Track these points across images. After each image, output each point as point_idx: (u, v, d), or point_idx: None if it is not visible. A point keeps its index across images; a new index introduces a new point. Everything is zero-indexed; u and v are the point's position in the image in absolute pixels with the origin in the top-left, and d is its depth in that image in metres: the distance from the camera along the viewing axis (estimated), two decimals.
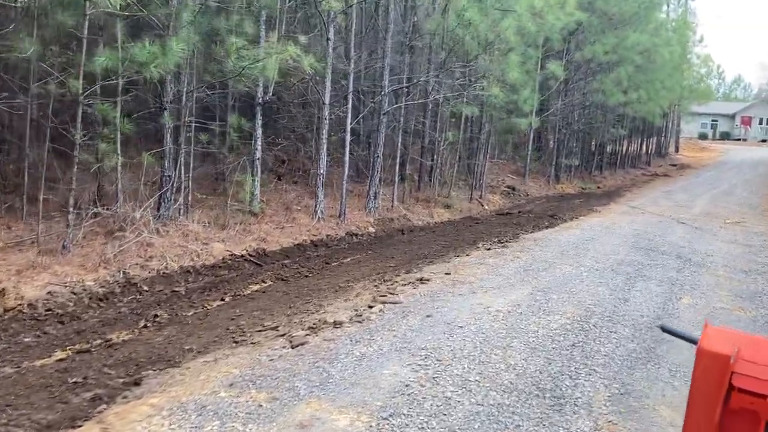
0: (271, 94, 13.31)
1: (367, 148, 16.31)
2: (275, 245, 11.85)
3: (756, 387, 1.56)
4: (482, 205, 20.14)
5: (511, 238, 14.58)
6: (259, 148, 13.27)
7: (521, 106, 19.66)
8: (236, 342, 6.71)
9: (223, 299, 8.62)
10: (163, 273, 9.32)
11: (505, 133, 26.15)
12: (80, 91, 9.07)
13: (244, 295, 8.88)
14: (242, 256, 10.81)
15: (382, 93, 14.76)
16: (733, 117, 77.04)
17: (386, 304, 8.22)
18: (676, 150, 52.34)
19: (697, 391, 1.66)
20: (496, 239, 14.15)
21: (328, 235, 13.24)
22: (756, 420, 1.56)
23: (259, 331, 7.09)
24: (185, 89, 11.37)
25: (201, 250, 10.40)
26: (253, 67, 10.55)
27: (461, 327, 7.32)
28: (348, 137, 14.12)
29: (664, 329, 2.04)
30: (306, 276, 10.18)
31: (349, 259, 11.71)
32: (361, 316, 7.64)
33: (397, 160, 16.21)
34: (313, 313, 7.80)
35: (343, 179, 14.13)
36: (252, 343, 6.66)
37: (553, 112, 25.90)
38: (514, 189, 24.30)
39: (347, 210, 14.79)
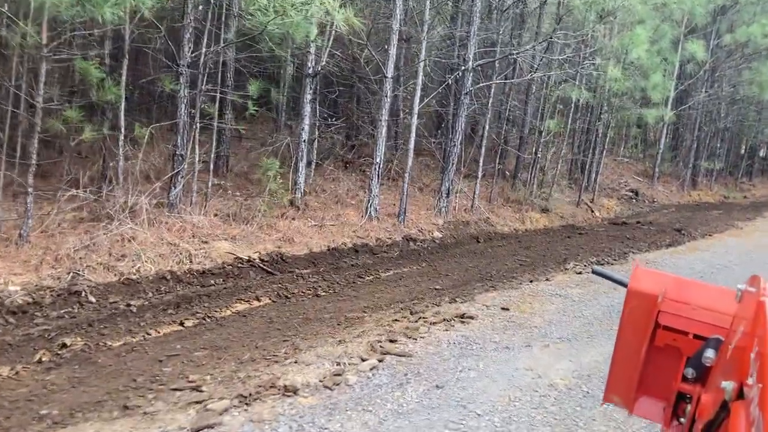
0: (324, 62, 11.00)
1: (446, 136, 13.59)
2: (302, 248, 9.57)
3: (680, 324, 1.63)
4: (592, 212, 16.79)
5: (617, 257, 11.40)
6: (307, 127, 11.03)
7: (650, 95, 16.06)
8: (126, 408, 4.46)
9: (182, 323, 6.44)
10: (129, 279, 7.30)
11: (629, 126, 22.34)
12: (43, 42, 7.19)
13: (215, 319, 6.66)
14: (250, 260, 8.62)
15: (464, 68, 12.01)
16: None
17: (389, 356, 5.67)
18: None
19: (625, 330, 1.73)
20: (594, 258, 11.06)
21: (378, 239, 10.78)
22: (678, 356, 1.63)
23: (175, 389, 4.81)
24: (203, 51, 9.31)
25: (197, 250, 8.33)
26: (278, 24, 8.25)
27: (480, 415, 4.64)
28: (415, 120, 11.53)
29: (595, 272, 2.06)
30: (317, 295, 7.80)
31: (389, 273, 9.20)
32: (339, 376, 5.15)
33: (482, 152, 13.39)
34: (273, 363, 5.41)
35: (406, 171, 11.57)
36: (145, 413, 4.38)
37: (693, 105, 21.72)
38: (637, 194, 20.55)
39: (411, 209, 12.26)
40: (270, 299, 7.48)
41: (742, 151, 28.84)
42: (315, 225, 10.46)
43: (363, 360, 5.53)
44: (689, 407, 1.60)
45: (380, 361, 5.55)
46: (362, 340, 6.05)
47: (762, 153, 31.14)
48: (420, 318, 6.86)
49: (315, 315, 6.93)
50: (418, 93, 11.43)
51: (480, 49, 12.63)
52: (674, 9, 15.83)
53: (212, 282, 7.85)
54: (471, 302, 7.76)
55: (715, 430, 1.23)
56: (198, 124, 9.45)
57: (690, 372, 1.57)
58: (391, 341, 6.07)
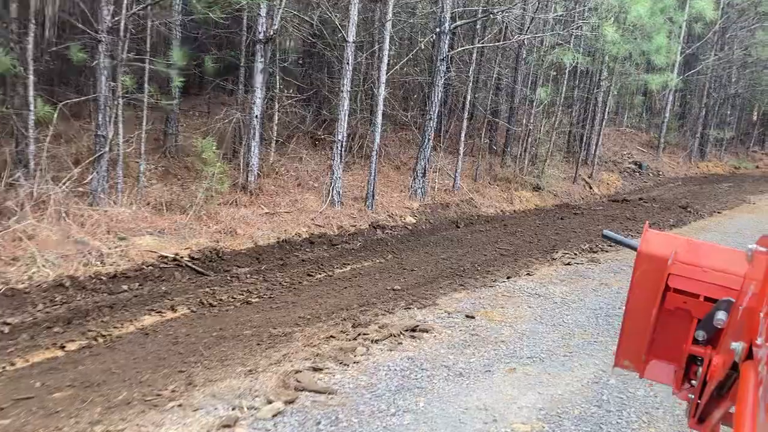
0: (276, 26, 9.63)
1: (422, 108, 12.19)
2: (246, 242, 8.32)
3: (690, 287, 1.62)
4: (590, 188, 15.44)
5: (612, 244, 10.10)
6: (259, 101, 9.70)
7: (653, 58, 14.58)
8: None
9: (63, 347, 5.22)
10: (14, 289, 6.08)
11: (633, 94, 20.87)
12: None
13: (108, 340, 5.42)
14: (177, 259, 7.37)
15: (439, 30, 10.60)
16: None
17: (304, 394, 4.45)
18: None
19: (636, 293, 1.71)
20: (587, 245, 9.76)
21: (340, 228, 9.51)
22: (689, 318, 1.62)
23: None
24: (123, 14, 7.96)
25: (111, 248, 7.09)
26: None
27: None
28: (382, 91, 10.16)
29: (606, 236, 2.01)
30: (248, 302, 6.56)
31: (345, 270, 7.94)
32: (227, 430, 3.94)
33: (464, 125, 12.02)
34: (151, 408, 4.19)
35: (373, 149, 10.25)
36: None
37: (702, 70, 20.15)
38: (640, 166, 19.14)
39: (383, 191, 10.98)
40: (189, 309, 6.25)
41: (754, 119, 27.24)
42: (266, 213, 9.20)
43: (268, 402, 4.30)
44: (700, 370, 1.57)
45: (290, 402, 4.32)
46: (278, 369, 4.82)
47: None
48: (360, 334, 5.61)
49: (234, 331, 5.70)
50: (386, 59, 10.05)
51: (459, 8, 11.18)
52: None
53: (124, 288, 6.61)
54: (431, 308, 6.51)
55: (726, 391, 1.25)
56: (120, 99, 8.14)
57: (701, 334, 1.56)
58: (315, 369, 4.84)
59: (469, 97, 11.79)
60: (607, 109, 17.22)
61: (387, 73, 10.33)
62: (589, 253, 9.31)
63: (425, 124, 11.08)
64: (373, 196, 10.29)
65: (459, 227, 10.76)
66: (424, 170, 11.19)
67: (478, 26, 11.85)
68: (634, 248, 1.74)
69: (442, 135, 13.48)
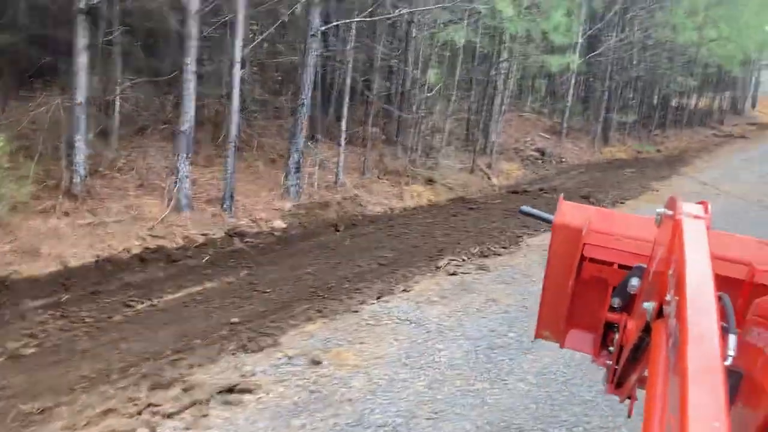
0: None
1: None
2: (52, 263, 6.58)
3: (604, 255, 1.64)
4: (489, 179, 14.37)
5: (508, 243, 8.97)
6: (83, 85, 7.88)
7: (552, 37, 13.62)
8: None
9: None
10: None
11: (536, 78, 20.08)
12: None
13: None
14: None
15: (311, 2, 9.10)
16: None
17: None
18: (753, 106, 44.44)
19: (553, 264, 1.72)
20: (478, 248, 8.55)
21: (186, 238, 7.88)
22: (605, 287, 1.63)
23: None
24: None
25: None
26: None
27: None
28: (238, 70, 8.52)
29: (522, 211, 2.03)
30: (15, 356, 4.88)
31: (178, 296, 6.36)
32: None
33: (344, 111, 10.58)
34: None
35: (230, 140, 8.63)
36: None
37: (604, 52, 19.54)
38: (543, 153, 18.31)
39: (249, 191, 9.42)
40: None
41: (655, 102, 27.26)
42: (88, 224, 7.44)
43: None
44: (617, 336, 1.58)
45: None
46: None
47: (673, 103, 29.74)
48: (151, 405, 4.08)
49: None
50: (240, 33, 8.42)
51: None
52: None
53: None
54: (270, 350, 5.04)
55: (641, 353, 1.27)
56: None
57: (616, 301, 1.56)
58: None
59: (348, 80, 10.34)
60: (507, 94, 16.22)
61: (244, 50, 8.73)
62: (479, 258, 8.10)
63: (297, 111, 9.56)
64: (232, 197, 8.69)
65: (338, 231, 9.33)
66: (298, 164, 9.68)
67: None
68: (550, 222, 1.77)
69: (322, 123, 11.99)
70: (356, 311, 6.02)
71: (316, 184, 10.51)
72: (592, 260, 1.64)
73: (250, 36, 9.80)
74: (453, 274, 7.39)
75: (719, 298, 0.96)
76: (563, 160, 18.68)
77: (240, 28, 8.36)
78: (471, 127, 15.84)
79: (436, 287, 6.87)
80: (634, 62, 21.89)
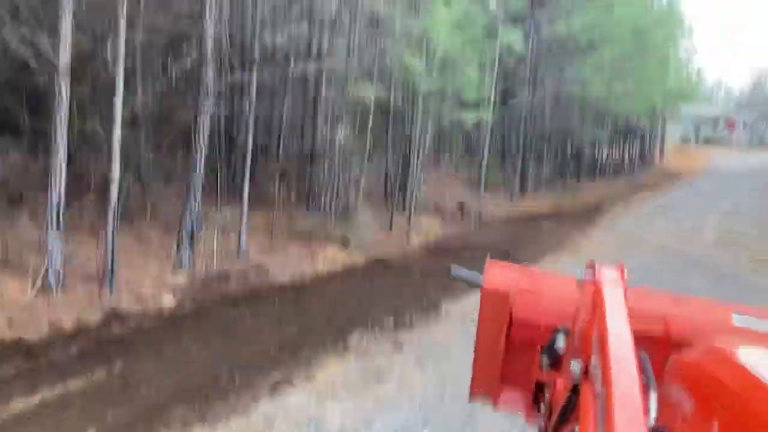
0: None
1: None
2: None
3: (532, 316, 1.68)
4: (408, 237, 13.76)
5: (426, 311, 8.27)
6: None
7: (465, 93, 13.36)
8: None
9: None
10: None
11: (453, 133, 19.95)
12: None
13: None
14: None
15: (201, 49, 8.35)
16: (716, 120, 71.74)
17: None
18: (661, 156, 46.48)
19: (483, 326, 1.77)
20: (393, 318, 7.79)
21: (53, 326, 6.75)
22: (534, 346, 1.65)
23: None
24: None
25: None
26: None
27: None
28: (117, 131, 7.57)
29: (454, 275, 1.95)
30: None
31: (24, 405, 5.23)
32: None
33: (246, 171, 9.77)
34: None
35: (110, 208, 7.61)
36: None
37: (517, 105, 19.67)
38: (463, 208, 17.98)
39: (137, 263, 8.36)
40: None
41: (569, 154, 27.78)
42: None
43: None
44: (547, 395, 1.64)
45: None
46: None
47: (587, 154, 30.49)
48: None
49: None
50: (120, 89, 7.51)
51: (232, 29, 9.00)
52: None
53: None
54: None
55: (570, 413, 1.29)
56: None
57: (545, 361, 1.58)
58: None
59: (250, 139, 9.56)
60: (423, 150, 15.84)
61: (132, 107, 7.82)
62: (394, 333, 7.34)
63: (194, 170, 8.67)
64: (113, 272, 7.62)
65: (236, 307, 8.37)
66: (192, 232, 8.72)
67: (256, 50, 9.67)
68: (478, 285, 1.77)
69: (228, 185, 11.10)
70: (243, 414, 5.08)
71: (215, 252, 9.55)
72: (520, 321, 1.69)
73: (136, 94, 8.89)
74: (364, 355, 6.58)
75: (638, 358, 1.00)
76: (482, 214, 18.39)
77: (118, 83, 7.47)
78: (390, 184, 15.31)
79: (342, 375, 6.04)
80: (548, 115, 22.19)
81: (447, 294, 9.10)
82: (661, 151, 46.94)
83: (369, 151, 12.87)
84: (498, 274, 1.74)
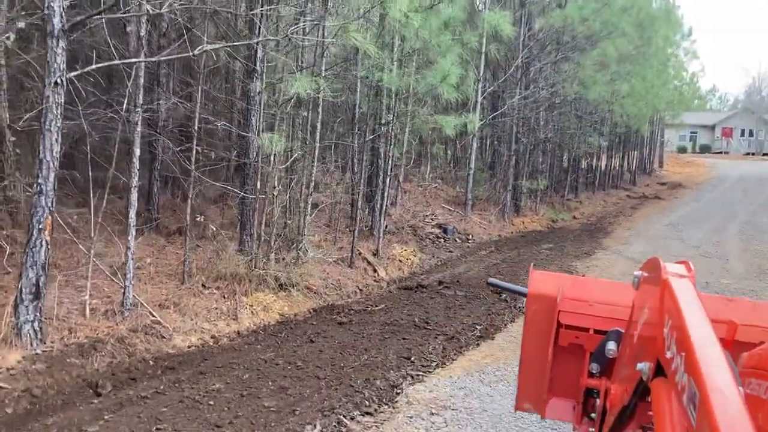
0: None
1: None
2: None
3: (579, 322, 1.66)
4: (374, 271, 11.05)
5: (378, 399, 5.55)
6: None
7: (441, 92, 10.72)
8: None
9: None
10: None
11: (434, 142, 17.33)
12: None
13: None
14: None
15: (51, 34, 5.67)
16: (713, 128, 69.65)
17: None
18: (661, 165, 44.11)
19: (529, 334, 1.74)
20: (327, 419, 5.05)
21: None
22: (582, 353, 1.65)
23: None
24: None
25: None
26: None
27: None
28: None
29: (491, 284, 2.01)
30: None
31: None
32: None
33: (132, 195, 7.03)
34: None
35: None
36: None
37: (507, 112, 17.05)
38: (446, 230, 15.29)
39: None
40: None
41: (565, 165, 25.20)
42: None
43: None
44: (598, 402, 1.58)
45: None
46: None
47: (584, 164, 27.90)
48: None
49: None
50: None
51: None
52: None
53: None
54: None
55: (628, 418, 1.26)
56: None
57: (595, 367, 1.58)
58: None
59: (137, 150, 6.84)
60: (395, 162, 13.19)
61: None
62: (346, 422, 4.61)
63: (33, 200, 5.95)
64: None
65: (99, 395, 5.62)
66: (38, 287, 5.97)
67: (143, 31, 6.97)
68: (523, 294, 1.81)
69: (95, 215, 8.37)
70: None
71: (89, 308, 6.80)
72: (567, 327, 1.65)
73: None
74: None
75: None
76: (469, 237, 15.71)
77: None
78: (354, 205, 12.61)
79: None
80: (542, 122, 19.60)
81: (412, 369, 6.39)
82: (661, 160, 44.62)
83: (315, 165, 10.17)
84: (543, 281, 1.77)
